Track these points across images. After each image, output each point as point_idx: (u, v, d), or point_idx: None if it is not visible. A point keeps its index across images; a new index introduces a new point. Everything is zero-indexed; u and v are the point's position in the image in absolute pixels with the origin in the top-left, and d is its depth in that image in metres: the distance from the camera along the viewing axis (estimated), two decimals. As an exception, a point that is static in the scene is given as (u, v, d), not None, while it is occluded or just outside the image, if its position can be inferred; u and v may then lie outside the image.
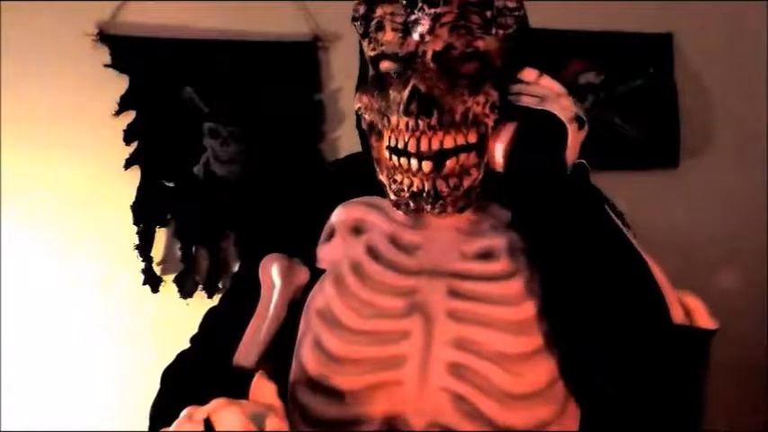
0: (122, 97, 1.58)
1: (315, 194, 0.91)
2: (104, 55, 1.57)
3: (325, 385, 0.76)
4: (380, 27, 0.78)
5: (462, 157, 0.77)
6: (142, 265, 1.58)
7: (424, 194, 0.77)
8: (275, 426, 0.62)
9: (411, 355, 0.74)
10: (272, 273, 0.82)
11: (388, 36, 0.77)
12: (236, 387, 0.69)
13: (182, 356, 0.88)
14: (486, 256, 0.79)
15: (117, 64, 1.58)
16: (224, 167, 1.63)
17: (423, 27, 0.75)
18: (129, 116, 1.59)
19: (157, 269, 1.61)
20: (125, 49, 1.58)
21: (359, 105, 0.81)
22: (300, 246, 0.84)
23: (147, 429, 0.81)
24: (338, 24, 1.64)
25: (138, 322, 1.61)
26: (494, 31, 0.77)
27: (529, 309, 0.76)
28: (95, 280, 1.59)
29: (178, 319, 1.58)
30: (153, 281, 1.59)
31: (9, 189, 1.56)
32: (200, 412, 0.62)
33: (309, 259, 0.83)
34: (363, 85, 0.82)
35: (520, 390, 0.73)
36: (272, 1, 1.62)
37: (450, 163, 0.77)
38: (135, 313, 1.61)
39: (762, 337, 1.84)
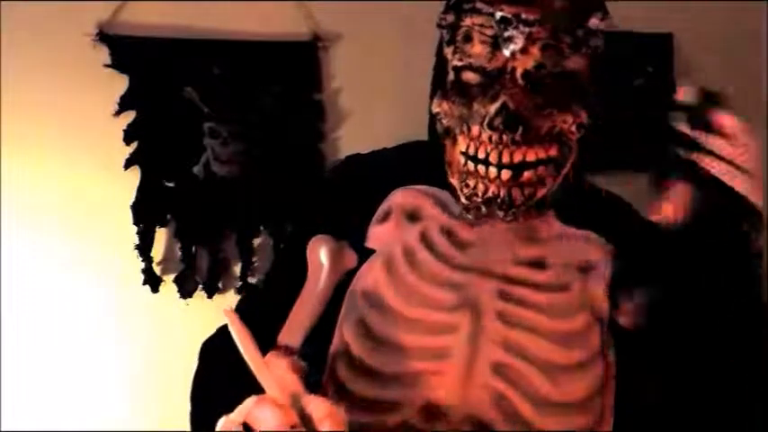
0: (122, 97, 1.58)
1: (371, 174, 0.91)
2: (104, 55, 1.57)
3: (368, 366, 0.77)
4: (468, 38, 0.78)
5: (541, 169, 0.78)
6: (142, 264, 1.58)
7: (498, 201, 0.78)
8: (315, 403, 0.62)
9: (457, 349, 0.75)
10: (321, 254, 0.81)
11: (477, 49, 0.77)
12: None
13: (223, 332, 0.89)
14: (538, 264, 0.81)
15: (117, 64, 1.57)
16: (224, 167, 1.63)
17: (516, 45, 0.75)
18: (130, 116, 1.59)
19: (157, 269, 1.61)
20: (125, 49, 1.58)
21: (438, 110, 0.82)
22: (351, 223, 0.84)
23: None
24: (338, 24, 1.64)
25: (138, 323, 1.61)
26: (583, 50, 0.77)
27: (576, 322, 0.77)
28: (95, 279, 1.59)
29: (178, 319, 1.59)
30: (153, 281, 1.59)
31: (8, 188, 1.56)
32: (234, 421, 0.62)
33: (359, 238, 0.83)
34: (441, 89, 0.82)
35: (559, 398, 0.74)
36: (272, 1, 1.62)
37: (528, 173, 0.78)
38: (135, 313, 1.61)
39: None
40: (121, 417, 1.59)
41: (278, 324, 0.77)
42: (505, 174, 0.77)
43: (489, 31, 0.76)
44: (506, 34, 0.75)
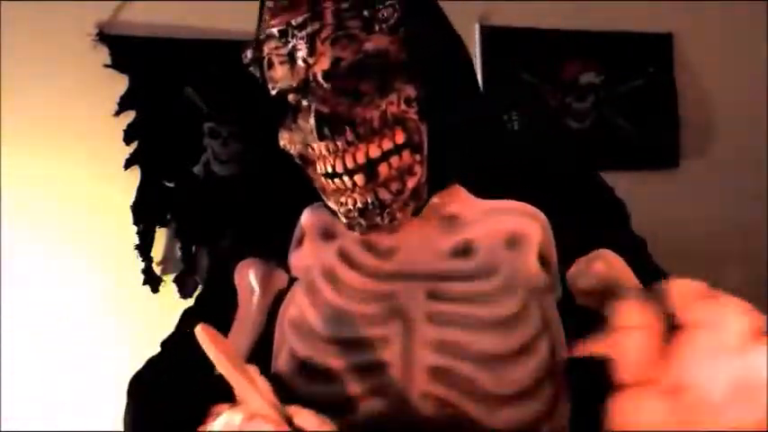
0: (122, 97, 1.58)
1: (285, 197, 0.87)
2: (104, 55, 1.58)
3: (303, 398, 0.72)
4: (270, 65, 0.75)
5: (394, 160, 0.73)
6: (142, 265, 1.59)
7: (371, 208, 0.73)
8: (303, 415, 0.59)
9: (392, 362, 0.71)
10: (250, 278, 0.79)
11: (278, 72, 0.74)
12: (220, 395, 0.65)
13: (154, 365, 0.84)
14: (463, 252, 0.76)
15: (117, 64, 1.58)
16: (224, 167, 1.63)
17: (302, 51, 0.72)
18: (129, 116, 1.59)
19: (157, 269, 1.61)
20: (125, 49, 1.58)
21: (283, 143, 0.78)
22: (275, 252, 0.81)
23: None
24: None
25: (137, 322, 1.61)
26: (376, 27, 0.72)
27: (510, 306, 0.72)
28: (95, 280, 1.59)
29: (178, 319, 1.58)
30: (153, 281, 1.59)
31: (8, 189, 1.56)
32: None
33: (285, 266, 0.80)
34: (281, 123, 0.78)
35: (504, 390, 0.70)
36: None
37: (382, 169, 0.73)
38: (134, 313, 1.61)
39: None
40: (121, 417, 1.59)
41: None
42: (359, 179, 0.72)
43: (283, 50, 0.73)
44: (290, 45, 0.72)
